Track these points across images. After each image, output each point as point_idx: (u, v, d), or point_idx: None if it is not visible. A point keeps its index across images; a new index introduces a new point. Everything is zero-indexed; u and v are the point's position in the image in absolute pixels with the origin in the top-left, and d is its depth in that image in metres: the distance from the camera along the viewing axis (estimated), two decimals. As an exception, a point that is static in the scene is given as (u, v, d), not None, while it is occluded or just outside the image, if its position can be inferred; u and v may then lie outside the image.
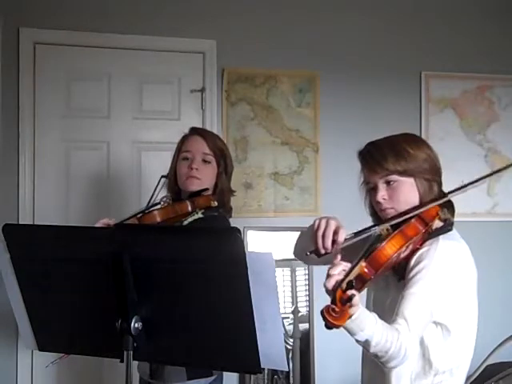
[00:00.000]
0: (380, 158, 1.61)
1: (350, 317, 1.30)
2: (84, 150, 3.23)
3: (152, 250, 1.34)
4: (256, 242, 3.30)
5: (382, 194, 1.61)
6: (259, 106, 3.39)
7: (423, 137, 3.54)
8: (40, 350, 1.54)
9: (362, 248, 1.48)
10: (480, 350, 1.94)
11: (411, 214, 1.56)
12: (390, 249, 1.46)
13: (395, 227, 1.55)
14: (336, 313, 1.28)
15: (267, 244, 3.33)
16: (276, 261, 1.28)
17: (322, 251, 1.54)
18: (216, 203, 2.15)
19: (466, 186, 1.57)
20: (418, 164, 1.62)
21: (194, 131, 2.25)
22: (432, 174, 1.66)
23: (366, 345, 1.38)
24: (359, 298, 1.32)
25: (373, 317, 1.37)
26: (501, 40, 3.68)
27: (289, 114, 3.42)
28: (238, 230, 1.27)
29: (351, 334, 1.36)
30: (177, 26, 3.28)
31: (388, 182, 1.61)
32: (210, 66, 3.32)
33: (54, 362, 1.92)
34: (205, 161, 2.16)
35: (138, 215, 2.07)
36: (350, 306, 1.29)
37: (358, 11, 3.50)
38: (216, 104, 3.33)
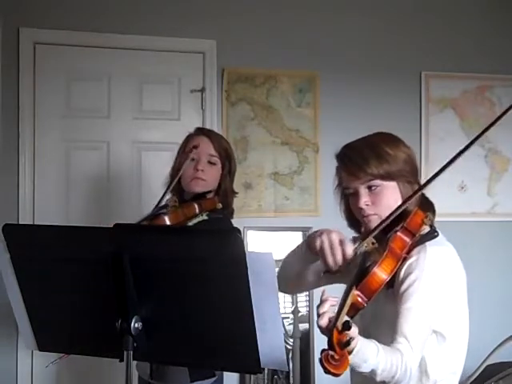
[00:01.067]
0: (362, 162, 1.52)
1: (351, 353, 1.23)
2: (84, 149, 3.23)
3: (152, 250, 1.34)
4: (256, 242, 3.30)
5: (365, 199, 1.53)
6: (259, 106, 3.39)
7: (423, 137, 3.56)
8: (40, 350, 1.53)
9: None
10: (480, 350, 1.95)
11: (399, 226, 1.48)
12: (383, 273, 1.39)
13: (380, 237, 1.48)
14: (336, 360, 1.19)
15: (267, 244, 3.33)
16: (276, 261, 1.28)
17: (335, 267, 1.45)
18: (221, 205, 2.13)
19: (438, 173, 1.47)
20: (400, 166, 1.54)
21: (200, 131, 2.22)
22: (413, 175, 1.59)
23: (371, 374, 1.31)
24: (356, 328, 1.24)
25: (374, 345, 1.31)
26: (501, 40, 3.68)
27: (289, 114, 3.42)
28: (238, 231, 1.26)
29: (355, 367, 1.29)
30: (177, 26, 3.28)
31: (370, 187, 1.53)
32: (210, 66, 3.32)
33: (54, 362, 1.92)
34: (210, 162, 2.14)
35: (149, 219, 2.02)
36: (349, 350, 1.23)
37: (358, 11, 3.50)
38: (216, 104, 3.33)
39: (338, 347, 1.20)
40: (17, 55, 3.10)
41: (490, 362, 2.63)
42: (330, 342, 1.21)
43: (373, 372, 1.31)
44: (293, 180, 3.42)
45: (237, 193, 2.25)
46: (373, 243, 1.46)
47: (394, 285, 1.49)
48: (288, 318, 3.31)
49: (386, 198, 1.54)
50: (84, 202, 3.22)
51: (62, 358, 1.87)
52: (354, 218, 1.62)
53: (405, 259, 1.49)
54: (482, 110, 3.66)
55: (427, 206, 1.60)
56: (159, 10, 3.28)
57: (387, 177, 1.53)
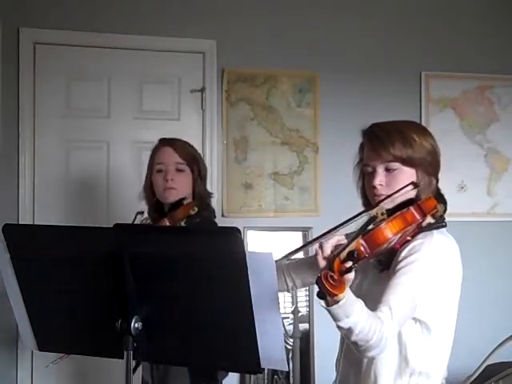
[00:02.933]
0: (387, 141, 1.53)
1: (344, 290, 1.24)
2: (84, 149, 3.23)
3: (152, 250, 1.34)
4: (256, 242, 3.29)
5: (380, 179, 1.54)
6: (259, 106, 3.38)
7: (423, 137, 3.55)
8: (40, 350, 1.54)
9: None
10: (480, 350, 1.95)
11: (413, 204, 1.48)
12: (390, 230, 1.39)
13: (390, 213, 1.48)
14: (334, 280, 1.21)
15: (267, 244, 3.33)
16: (276, 261, 1.28)
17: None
18: (196, 209, 2.15)
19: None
20: (423, 155, 1.55)
21: (164, 142, 2.26)
22: (433, 167, 1.59)
23: (347, 332, 1.32)
24: (352, 275, 1.27)
25: (359, 304, 1.32)
26: (501, 40, 3.68)
27: (289, 114, 3.42)
28: (238, 230, 1.26)
29: (335, 319, 1.30)
30: (177, 26, 3.28)
31: (388, 169, 1.55)
32: (210, 66, 3.32)
33: (54, 362, 1.92)
34: (178, 170, 2.19)
35: None
36: (347, 279, 1.24)
37: (358, 11, 3.50)
38: (216, 104, 3.33)
39: (338, 273, 1.23)
40: (17, 55, 3.10)
41: (489, 362, 2.62)
42: (330, 267, 1.23)
43: (349, 330, 1.31)
44: (293, 180, 3.42)
45: (211, 193, 2.32)
46: (382, 213, 1.46)
47: (389, 267, 1.50)
48: (288, 317, 3.30)
49: (402, 183, 1.53)
50: (84, 202, 3.22)
51: (61, 358, 1.87)
52: (370, 202, 1.62)
53: (408, 242, 1.50)
54: (482, 110, 3.66)
55: (440, 200, 1.59)
56: (159, 10, 3.28)
57: (408, 162, 1.54)
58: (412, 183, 1.51)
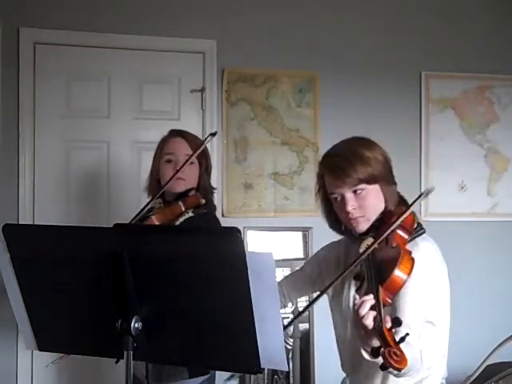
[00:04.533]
0: (348, 167, 1.60)
1: (408, 359, 1.23)
2: (84, 149, 3.23)
3: (152, 250, 1.34)
4: (256, 242, 3.29)
5: (352, 203, 1.62)
6: (259, 105, 3.38)
7: (423, 137, 3.56)
8: (40, 350, 1.53)
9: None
10: (480, 350, 1.95)
11: (396, 225, 1.53)
12: (403, 272, 1.42)
13: (376, 235, 1.55)
14: (397, 356, 1.21)
15: (267, 244, 3.33)
16: (276, 261, 1.28)
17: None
18: (204, 201, 2.21)
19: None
20: (380, 168, 1.63)
21: (175, 133, 2.29)
22: (391, 175, 1.68)
23: (399, 372, 1.32)
24: None
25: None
26: (501, 40, 3.68)
27: (289, 114, 3.42)
28: (238, 230, 1.26)
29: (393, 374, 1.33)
30: (177, 26, 3.28)
31: (355, 191, 1.62)
32: (210, 66, 3.32)
33: (54, 362, 1.93)
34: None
35: (138, 221, 2.11)
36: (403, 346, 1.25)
37: (358, 11, 3.50)
38: (216, 104, 3.33)
39: (394, 343, 1.22)
40: (17, 55, 3.10)
41: (489, 362, 2.62)
42: (385, 341, 1.23)
43: (403, 372, 1.32)
44: (293, 180, 3.42)
45: (215, 188, 2.36)
46: (372, 244, 1.51)
47: None
48: (288, 318, 3.30)
49: (371, 201, 1.62)
50: (84, 201, 3.22)
51: (61, 358, 1.87)
52: (336, 219, 1.72)
53: None
54: (482, 110, 3.66)
55: (404, 204, 1.68)
56: (159, 10, 3.28)
57: (371, 180, 1.62)
58: None
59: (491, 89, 3.67)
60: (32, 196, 3.13)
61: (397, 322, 1.26)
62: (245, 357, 1.35)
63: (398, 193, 1.70)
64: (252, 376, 3.20)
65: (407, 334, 1.25)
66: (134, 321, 1.34)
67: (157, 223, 2.09)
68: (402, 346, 1.25)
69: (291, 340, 3.28)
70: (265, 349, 1.31)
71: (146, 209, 2.18)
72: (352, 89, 3.47)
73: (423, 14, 3.58)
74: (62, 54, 3.18)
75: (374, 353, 1.26)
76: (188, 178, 2.20)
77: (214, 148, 3.31)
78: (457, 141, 3.61)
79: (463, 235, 3.51)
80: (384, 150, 1.69)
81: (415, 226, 1.62)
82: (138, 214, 2.15)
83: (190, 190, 2.21)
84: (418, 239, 1.60)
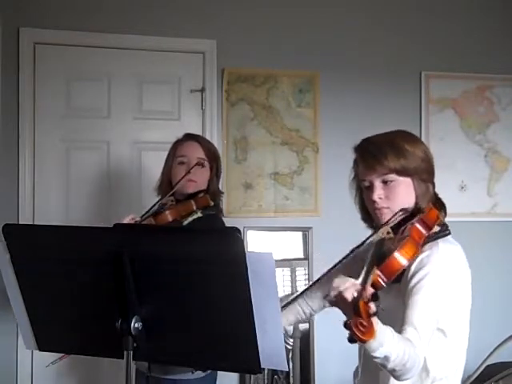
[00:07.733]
0: (379, 155, 1.56)
1: (375, 332, 1.23)
2: (84, 149, 3.23)
3: (152, 250, 1.34)
4: (256, 242, 3.29)
5: (379, 192, 1.57)
6: (259, 106, 3.38)
7: (423, 137, 3.55)
8: (40, 350, 1.53)
9: (364, 258, 1.44)
10: (480, 350, 1.95)
11: (416, 218, 1.51)
12: (404, 256, 1.41)
13: (396, 229, 1.52)
14: (364, 327, 1.20)
15: (267, 244, 3.33)
16: (276, 261, 1.28)
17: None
18: (212, 203, 2.31)
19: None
20: (417, 163, 1.58)
21: (189, 137, 2.39)
22: (428, 173, 1.62)
23: (384, 361, 1.31)
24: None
25: (389, 330, 1.32)
26: (501, 40, 3.68)
27: (289, 114, 3.42)
28: (238, 230, 1.26)
29: (370, 351, 1.29)
30: (177, 26, 3.28)
31: (385, 182, 1.57)
32: (209, 66, 3.32)
33: (54, 362, 1.92)
34: (200, 164, 2.30)
35: (152, 215, 2.21)
36: (376, 320, 1.24)
37: (358, 11, 3.50)
38: (216, 104, 3.33)
39: (366, 316, 1.21)
40: (17, 55, 3.10)
41: (489, 361, 2.63)
42: (357, 311, 1.22)
43: (386, 358, 1.31)
44: (293, 180, 3.42)
45: (223, 192, 2.44)
46: (388, 232, 1.49)
47: (400, 279, 1.50)
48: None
49: (400, 193, 1.57)
50: (84, 201, 3.22)
51: (61, 358, 1.87)
52: (368, 211, 1.65)
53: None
54: (482, 110, 3.66)
55: (439, 207, 1.63)
56: (159, 10, 3.27)
57: (403, 172, 1.56)
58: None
59: (491, 89, 3.67)
60: (32, 196, 3.13)
61: (375, 297, 1.26)
62: (245, 357, 1.34)
63: (436, 194, 1.64)
64: (252, 376, 3.20)
65: (379, 307, 1.24)
66: (134, 321, 1.34)
67: (170, 218, 2.19)
68: (380, 326, 1.26)
69: (291, 340, 3.28)
70: (265, 349, 1.31)
71: (158, 205, 2.26)
72: (352, 89, 3.47)
73: (423, 14, 3.58)
74: (61, 54, 3.18)
75: (345, 325, 1.24)
76: (199, 181, 2.29)
77: (213, 148, 3.31)
78: (457, 141, 3.61)
79: (463, 235, 3.50)
80: (428, 149, 1.64)
81: (439, 226, 1.56)
82: (149, 210, 2.24)
83: (200, 192, 2.30)
84: (440, 240, 1.54)
